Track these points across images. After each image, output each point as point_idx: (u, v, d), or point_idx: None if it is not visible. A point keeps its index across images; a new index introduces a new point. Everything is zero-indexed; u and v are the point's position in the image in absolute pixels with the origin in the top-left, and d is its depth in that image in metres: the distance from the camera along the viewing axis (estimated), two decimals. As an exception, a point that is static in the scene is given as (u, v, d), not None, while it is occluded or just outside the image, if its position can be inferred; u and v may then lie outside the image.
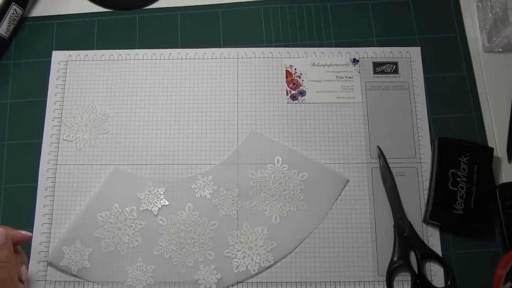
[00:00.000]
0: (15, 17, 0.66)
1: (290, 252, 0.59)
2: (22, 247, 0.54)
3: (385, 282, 0.58)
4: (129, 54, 0.67)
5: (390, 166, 0.61)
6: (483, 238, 0.60)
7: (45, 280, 0.58)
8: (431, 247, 0.59)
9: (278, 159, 0.62)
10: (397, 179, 0.61)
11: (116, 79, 0.66)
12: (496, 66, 0.66)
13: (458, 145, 0.60)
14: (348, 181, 0.62)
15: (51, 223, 0.60)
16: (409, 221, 0.59)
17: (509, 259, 0.57)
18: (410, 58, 0.66)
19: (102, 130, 0.64)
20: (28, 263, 0.58)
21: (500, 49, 0.66)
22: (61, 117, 0.64)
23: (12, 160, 0.63)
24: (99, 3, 0.69)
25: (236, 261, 0.59)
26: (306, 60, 0.66)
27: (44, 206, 0.61)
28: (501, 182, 0.61)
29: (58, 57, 0.67)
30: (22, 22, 0.68)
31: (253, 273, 0.58)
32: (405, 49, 0.66)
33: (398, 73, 0.65)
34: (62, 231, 0.60)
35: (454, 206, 0.58)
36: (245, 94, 0.65)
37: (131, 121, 0.64)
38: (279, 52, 0.66)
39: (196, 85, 0.65)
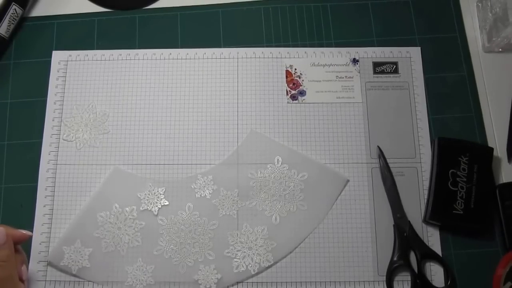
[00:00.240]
0: (15, 17, 0.66)
1: (290, 252, 0.59)
2: (22, 247, 0.54)
3: (385, 282, 0.58)
4: (129, 54, 0.67)
5: (390, 166, 0.61)
6: (483, 238, 0.60)
7: (45, 280, 0.58)
8: (431, 247, 0.59)
9: (278, 159, 0.62)
10: (397, 179, 0.61)
11: (116, 79, 0.66)
12: (496, 66, 0.66)
13: (458, 145, 0.60)
14: (348, 181, 0.62)
15: (51, 223, 0.60)
16: (409, 221, 0.59)
17: (509, 259, 0.57)
18: (410, 58, 0.66)
19: (102, 130, 0.64)
20: (28, 263, 0.58)
21: (500, 49, 0.66)
22: (61, 117, 0.64)
23: (12, 160, 0.63)
24: (99, 3, 0.69)
25: (236, 261, 0.59)
26: (306, 60, 0.66)
27: (44, 206, 0.61)
28: (501, 182, 0.61)
29: (58, 57, 0.67)
30: (22, 22, 0.68)
31: (253, 273, 0.58)
32: (405, 49, 0.66)
33: (398, 73, 0.65)
34: (62, 231, 0.60)
35: (454, 206, 0.58)
36: (245, 94, 0.65)
37: (131, 121, 0.64)
38: (279, 52, 0.66)
39: (196, 85, 0.65)
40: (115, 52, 0.67)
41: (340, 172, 0.62)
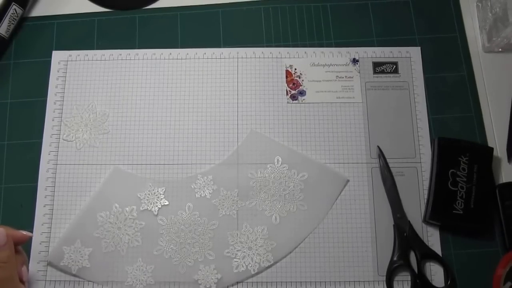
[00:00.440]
0: (15, 17, 0.66)
1: (290, 252, 0.59)
2: (22, 247, 0.54)
3: (385, 282, 0.58)
4: (129, 54, 0.67)
5: (390, 166, 0.61)
6: (483, 238, 0.60)
7: (45, 280, 0.58)
8: (431, 247, 0.59)
9: (278, 159, 0.62)
10: (397, 179, 0.61)
11: (116, 79, 0.66)
12: (496, 66, 0.66)
13: (458, 145, 0.60)
14: (348, 181, 0.62)
15: (51, 223, 0.60)
16: (409, 221, 0.59)
17: (509, 259, 0.57)
18: (410, 58, 0.66)
19: (102, 130, 0.64)
20: (28, 263, 0.58)
21: (500, 49, 0.66)
22: (61, 117, 0.64)
23: (12, 160, 0.63)
24: (99, 3, 0.69)
25: (236, 261, 0.59)
26: (306, 60, 0.66)
27: (44, 206, 0.61)
28: (501, 182, 0.61)
29: (58, 57, 0.67)
30: (22, 22, 0.68)
31: (253, 273, 0.58)
32: (405, 49, 0.66)
33: (398, 73, 0.65)
34: (62, 231, 0.60)
35: (454, 206, 0.58)
36: (245, 94, 0.65)
37: (131, 121, 0.64)
38: (279, 52, 0.66)
39: (196, 85, 0.65)
40: (115, 52, 0.67)
41: (340, 172, 0.62)
